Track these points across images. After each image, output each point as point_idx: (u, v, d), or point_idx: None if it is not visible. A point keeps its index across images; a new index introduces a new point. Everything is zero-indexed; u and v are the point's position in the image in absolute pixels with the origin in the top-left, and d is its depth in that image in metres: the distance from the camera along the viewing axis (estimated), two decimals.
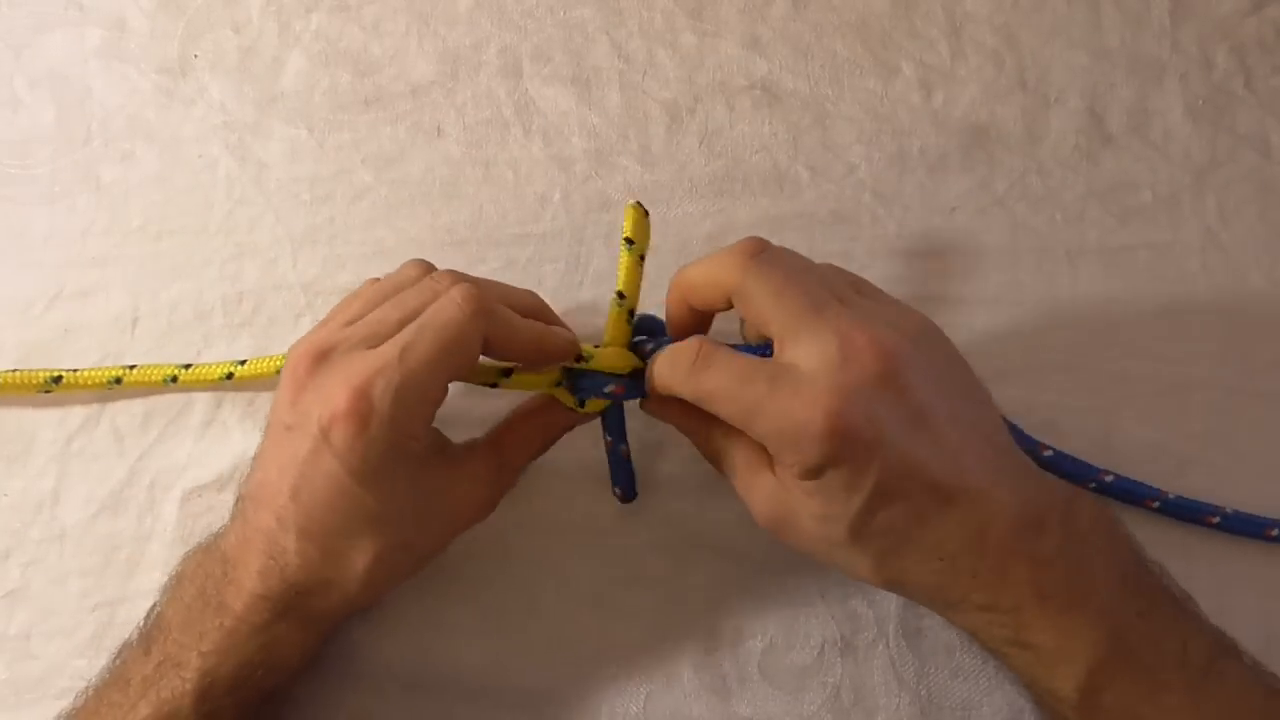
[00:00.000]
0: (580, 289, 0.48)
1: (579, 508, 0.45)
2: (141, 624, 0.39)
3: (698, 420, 0.39)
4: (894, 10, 0.51)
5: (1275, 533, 0.44)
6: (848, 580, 0.44)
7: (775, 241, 0.48)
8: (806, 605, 0.44)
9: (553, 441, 0.42)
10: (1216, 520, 0.43)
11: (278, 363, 0.44)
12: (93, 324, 0.47)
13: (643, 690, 0.43)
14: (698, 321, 0.40)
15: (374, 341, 0.36)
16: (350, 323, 0.38)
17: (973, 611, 0.36)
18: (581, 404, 0.42)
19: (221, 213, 0.49)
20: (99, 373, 0.45)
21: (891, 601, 0.44)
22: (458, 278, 0.38)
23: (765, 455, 0.37)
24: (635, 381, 0.40)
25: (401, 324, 0.37)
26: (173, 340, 0.47)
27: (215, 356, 0.47)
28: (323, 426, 0.35)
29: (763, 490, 0.37)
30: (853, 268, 0.48)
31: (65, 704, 0.39)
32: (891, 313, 0.37)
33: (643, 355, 0.41)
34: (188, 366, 0.45)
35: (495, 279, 0.45)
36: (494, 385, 0.41)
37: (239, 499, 0.39)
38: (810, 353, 0.34)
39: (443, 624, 0.43)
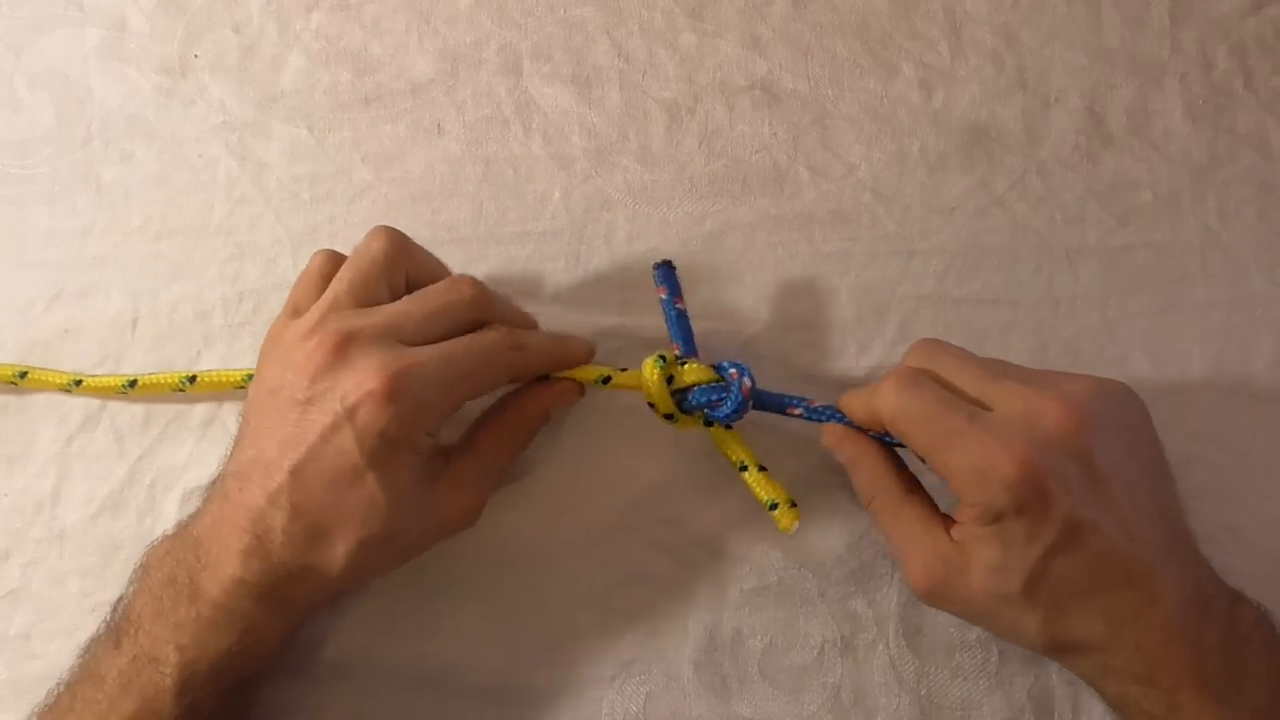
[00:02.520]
0: (580, 287, 0.48)
1: (580, 507, 0.45)
2: (108, 617, 0.38)
3: (874, 460, 0.41)
4: (894, 10, 0.51)
5: None
6: (848, 580, 0.44)
7: (775, 240, 0.48)
8: (806, 605, 0.44)
9: (528, 440, 0.43)
10: None
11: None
12: (93, 324, 0.47)
13: (643, 690, 0.43)
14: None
15: (399, 333, 0.38)
16: (350, 305, 0.39)
17: (1130, 683, 0.36)
18: (709, 424, 0.43)
19: (221, 213, 0.49)
20: (171, 377, 0.46)
21: (891, 601, 0.44)
22: (478, 286, 0.41)
23: (937, 513, 0.39)
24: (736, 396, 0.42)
25: (425, 320, 0.39)
26: (173, 340, 0.47)
27: (216, 356, 0.47)
28: (349, 404, 0.36)
29: (929, 546, 0.38)
30: (853, 268, 0.48)
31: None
32: (1080, 381, 0.38)
33: (723, 375, 0.42)
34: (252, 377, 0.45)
35: (495, 277, 0.46)
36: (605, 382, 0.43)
37: (218, 479, 0.39)
38: (1004, 399, 0.36)
39: (442, 625, 0.43)
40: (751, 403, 0.42)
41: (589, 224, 0.49)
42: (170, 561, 0.38)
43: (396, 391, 0.36)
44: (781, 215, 0.49)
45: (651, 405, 0.42)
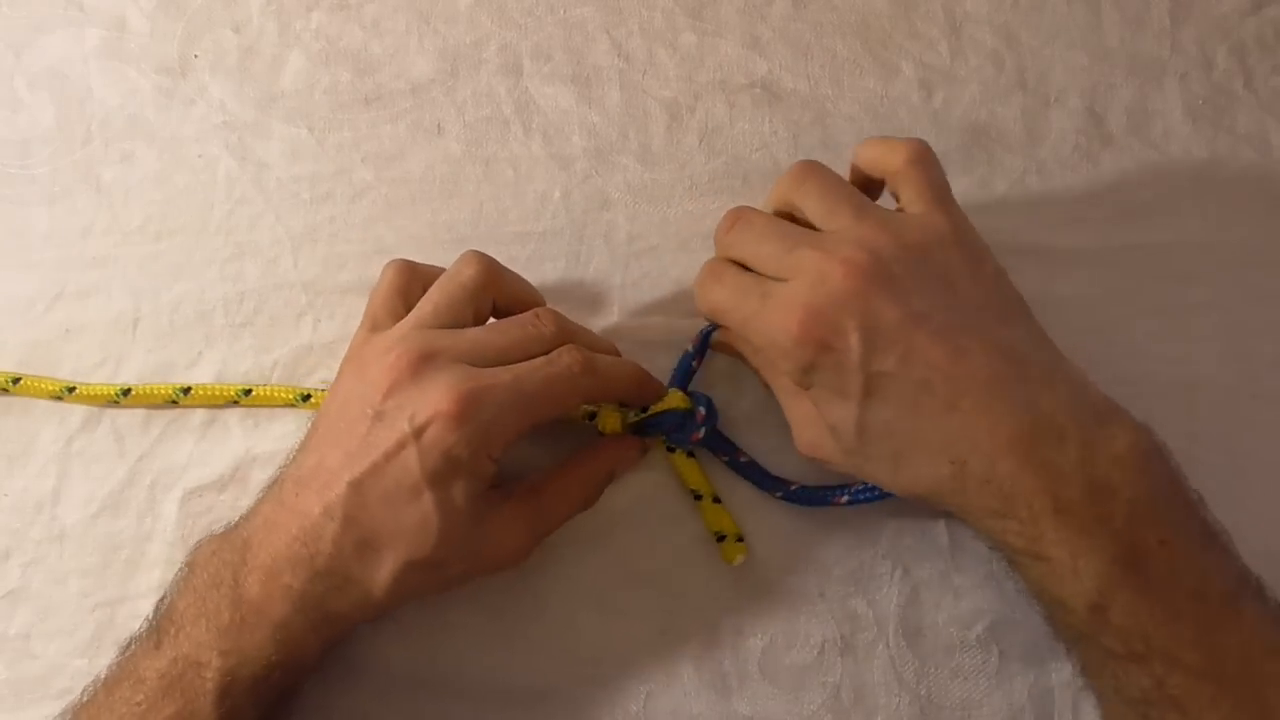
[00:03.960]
0: (580, 287, 0.48)
1: None
2: (150, 616, 0.38)
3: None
4: (894, 10, 0.51)
5: None
6: (848, 580, 0.44)
7: None
8: (806, 605, 0.44)
9: (594, 498, 0.43)
10: None
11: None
12: (94, 324, 0.47)
13: (643, 690, 0.43)
14: None
15: (477, 359, 0.38)
16: (435, 326, 0.40)
17: (990, 518, 0.36)
18: (671, 449, 0.45)
19: (221, 213, 0.49)
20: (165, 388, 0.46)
21: (892, 601, 0.44)
22: (560, 322, 0.41)
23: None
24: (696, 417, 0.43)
25: (504, 351, 0.39)
26: (174, 340, 0.47)
27: (217, 356, 0.47)
28: (417, 423, 0.36)
29: (801, 412, 0.40)
30: None
31: (66, 703, 0.39)
32: (895, 224, 0.39)
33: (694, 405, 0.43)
34: (248, 392, 0.46)
35: None
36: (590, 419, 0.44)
37: (278, 481, 0.39)
38: (796, 270, 0.38)
39: (443, 624, 0.43)
40: (704, 435, 0.43)
41: (589, 224, 0.49)
42: (216, 562, 0.38)
43: (466, 413, 0.36)
44: None
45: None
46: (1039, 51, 0.51)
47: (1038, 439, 0.35)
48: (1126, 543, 0.34)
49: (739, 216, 0.41)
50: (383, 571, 0.37)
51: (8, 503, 0.45)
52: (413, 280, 0.42)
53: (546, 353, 0.40)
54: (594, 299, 0.48)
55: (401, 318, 0.41)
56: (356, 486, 0.37)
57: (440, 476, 0.36)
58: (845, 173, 0.43)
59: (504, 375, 0.38)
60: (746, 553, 0.43)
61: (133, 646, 0.38)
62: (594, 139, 0.50)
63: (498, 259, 0.48)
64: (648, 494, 0.45)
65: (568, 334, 0.41)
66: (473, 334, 0.40)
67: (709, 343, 0.45)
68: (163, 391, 0.45)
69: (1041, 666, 0.43)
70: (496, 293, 0.42)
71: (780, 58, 0.51)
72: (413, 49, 0.51)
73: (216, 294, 0.48)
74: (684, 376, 0.44)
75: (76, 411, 0.46)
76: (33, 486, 0.45)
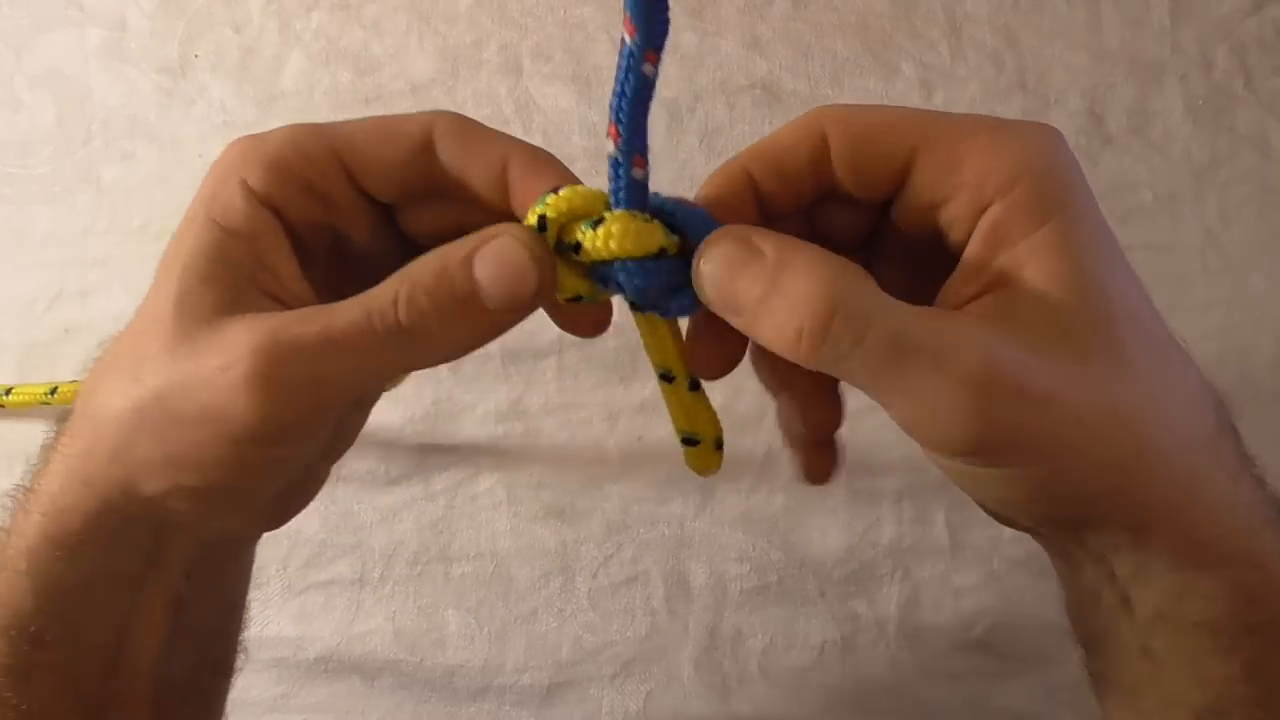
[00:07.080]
0: None
1: (579, 506, 0.45)
2: None
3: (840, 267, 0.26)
4: (894, 10, 0.51)
5: None
6: (848, 580, 0.44)
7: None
8: (806, 605, 0.44)
9: (426, 322, 0.25)
10: None
11: None
12: (94, 324, 0.47)
13: (643, 689, 0.43)
14: (746, 210, 0.29)
15: None
16: None
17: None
18: (638, 308, 0.28)
19: None
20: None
21: (892, 602, 0.44)
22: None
23: (938, 313, 0.26)
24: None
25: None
26: None
27: None
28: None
29: (968, 339, 0.25)
30: None
31: None
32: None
33: (670, 222, 0.27)
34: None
35: None
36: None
37: None
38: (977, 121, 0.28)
39: (442, 624, 0.43)
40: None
41: None
42: None
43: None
44: None
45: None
46: (1039, 51, 0.51)
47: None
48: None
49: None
50: (109, 404, 0.26)
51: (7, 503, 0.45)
52: None
53: None
54: None
55: None
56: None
57: (183, 240, 0.26)
58: None
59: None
60: (720, 463, 0.29)
61: None
62: (594, 139, 0.50)
63: None
64: (647, 493, 0.45)
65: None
66: None
67: (663, 23, 0.26)
68: (36, 392, 0.45)
69: (1041, 666, 0.43)
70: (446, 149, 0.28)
71: (780, 58, 0.51)
72: (413, 49, 0.51)
73: None
74: (638, 107, 0.26)
75: None
76: None
